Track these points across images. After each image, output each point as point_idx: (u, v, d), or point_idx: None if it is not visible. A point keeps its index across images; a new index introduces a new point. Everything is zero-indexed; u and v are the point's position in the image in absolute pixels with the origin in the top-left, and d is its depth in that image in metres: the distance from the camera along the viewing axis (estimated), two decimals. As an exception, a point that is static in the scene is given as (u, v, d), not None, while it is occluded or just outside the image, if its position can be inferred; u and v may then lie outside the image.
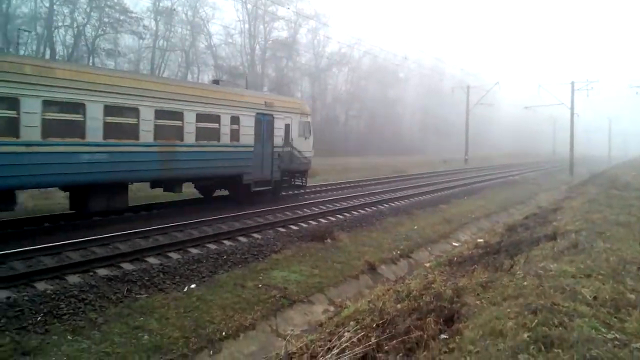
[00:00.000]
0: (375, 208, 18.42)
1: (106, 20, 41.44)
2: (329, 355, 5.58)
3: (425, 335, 5.68)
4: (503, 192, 27.07)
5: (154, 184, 15.28)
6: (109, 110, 12.20)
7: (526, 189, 29.95)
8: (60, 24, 40.16)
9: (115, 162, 12.40)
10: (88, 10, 40.33)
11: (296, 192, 20.31)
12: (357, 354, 5.50)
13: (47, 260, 9.47)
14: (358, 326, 6.32)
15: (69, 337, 6.68)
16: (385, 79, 69.05)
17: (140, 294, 8.30)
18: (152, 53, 46.71)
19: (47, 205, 15.78)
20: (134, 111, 12.87)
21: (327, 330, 6.89)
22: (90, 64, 36.33)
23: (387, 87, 70.58)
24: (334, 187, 24.75)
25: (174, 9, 46.47)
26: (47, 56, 37.08)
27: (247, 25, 54.05)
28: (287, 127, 18.53)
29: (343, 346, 5.70)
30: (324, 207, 17.60)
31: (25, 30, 34.82)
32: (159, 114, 13.49)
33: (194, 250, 10.99)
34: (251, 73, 52.24)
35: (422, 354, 5.35)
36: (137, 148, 12.98)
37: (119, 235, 11.25)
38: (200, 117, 14.79)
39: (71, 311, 7.37)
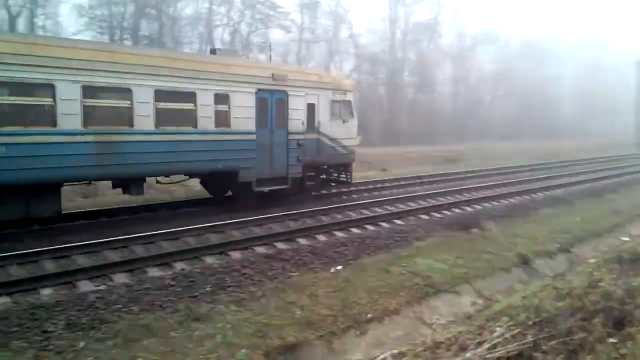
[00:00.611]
0: (527, 197, 17.19)
1: (257, 16, 44.67)
2: (480, 349, 5.37)
3: (590, 338, 5.18)
4: (687, 181, 23.04)
5: (115, 184, 12.03)
6: (4, 87, 9.35)
7: None
8: (218, 22, 44.39)
9: (19, 158, 9.36)
10: (242, 8, 43.94)
11: (343, 189, 16.70)
12: (510, 350, 5.21)
13: (213, 237, 10.69)
14: (511, 322, 5.95)
15: (232, 307, 7.37)
16: (538, 57, 63.09)
17: (292, 272, 8.89)
18: (299, 45, 48.99)
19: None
20: (47, 88, 9.70)
21: (476, 324, 6.61)
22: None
23: (541, 64, 64.41)
24: (479, 174, 23.59)
25: (318, 1, 48.14)
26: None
27: (387, 11, 53.64)
28: (312, 107, 14.45)
29: (495, 341, 5.44)
30: (469, 195, 16.89)
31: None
32: (90, 91, 10.22)
33: (339, 234, 11.44)
34: (391, 58, 51.92)
35: (586, 357, 4.90)
36: (54, 137, 9.83)
37: (274, 216, 12.18)
38: (162, 95, 11.23)
39: (234, 284, 8.17)
